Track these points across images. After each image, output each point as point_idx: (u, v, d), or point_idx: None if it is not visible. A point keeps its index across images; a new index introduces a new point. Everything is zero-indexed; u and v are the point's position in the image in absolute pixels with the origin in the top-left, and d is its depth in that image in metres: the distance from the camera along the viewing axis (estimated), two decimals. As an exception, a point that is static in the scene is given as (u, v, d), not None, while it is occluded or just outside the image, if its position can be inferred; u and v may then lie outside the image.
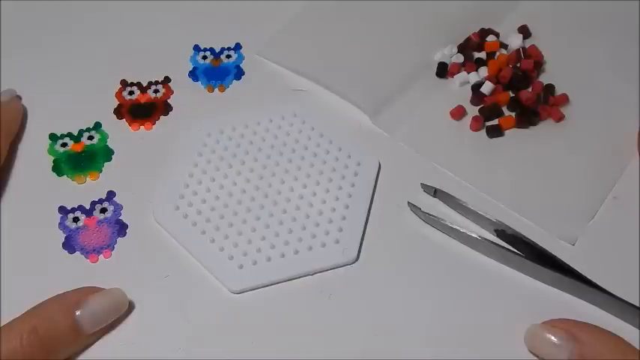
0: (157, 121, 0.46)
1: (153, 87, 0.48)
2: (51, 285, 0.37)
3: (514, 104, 0.46)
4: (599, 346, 0.34)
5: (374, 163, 0.44)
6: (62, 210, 0.42)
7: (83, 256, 0.40)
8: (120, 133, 0.45)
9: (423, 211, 0.41)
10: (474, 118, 0.45)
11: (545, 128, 0.46)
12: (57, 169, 0.44)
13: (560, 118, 0.46)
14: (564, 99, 0.46)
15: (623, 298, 0.37)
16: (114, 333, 0.37)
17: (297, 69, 0.48)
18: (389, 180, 0.43)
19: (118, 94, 0.47)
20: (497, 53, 0.49)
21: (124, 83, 0.48)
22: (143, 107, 0.47)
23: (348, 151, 0.44)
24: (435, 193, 0.42)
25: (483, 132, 0.45)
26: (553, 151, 0.44)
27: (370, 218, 0.42)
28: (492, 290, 0.39)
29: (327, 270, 0.40)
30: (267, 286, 0.39)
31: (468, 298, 0.39)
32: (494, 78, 0.47)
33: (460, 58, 0.48)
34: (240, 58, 0.50)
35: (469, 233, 0.40)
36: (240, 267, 0.39)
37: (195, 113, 0.46)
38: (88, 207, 0.42)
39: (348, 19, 0.51)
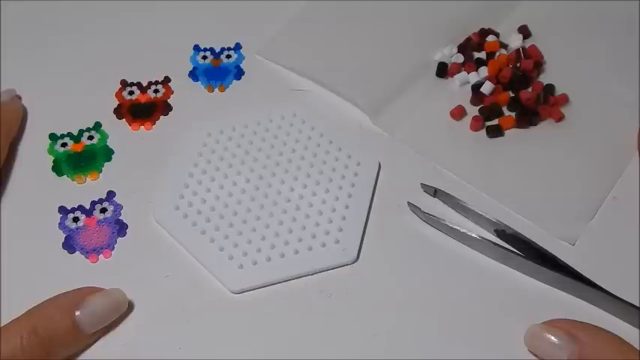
0: (157, 121, 0.46)
1: (153, 87, 0.48)
2: (51, 285, 0.37)
3: (514, 104, 0.46)
4: (599, 346, 0.34)
5: (374, 163, 0.44)
6: (62, 210, 0.42)
7: (83, 256, 0.40)
8: (120, 133, 0.45)
9: (423, 211, 0.41)
10: (474, 118, 0.45)
11: (545, 128, 0.46)
12: (57, 169, 0.44)
13: (560, 118, 0.46)
14: (564, 99, 0.46)
15: (623, 298, 0.37)
16: (114, 333, 0.37)
17: (297, 69, 0.48)
18: (389, 180, 0.43)
19: (118, 94, 0.47)
20: (497, 53, 0.49)
21: (124, 83, 0.48)
22: (143, 107, 0.47)
23: (348, 151, 0.44)
24: (435, 193, 0.42)
25: (483, 132, 0.45)
26: (553, 151, 0.44)
27: (370, 218, 0.42)
28: (492, 290, 0.39)
29: (327, 270, 0.40)
30: (267, 286, 0.39)
31: (467, 297, 0.39)
32: (494, 78, 0.47)
33: (460, 58, 0.48)
34: (240, 58, 0.50)
35: (469, 233, 0.40)
36: (240, 267, 0.39)
37: (195, 113, 0.46)
38: (88, 207, 0.42)
39: (348, 19, 0.51)
